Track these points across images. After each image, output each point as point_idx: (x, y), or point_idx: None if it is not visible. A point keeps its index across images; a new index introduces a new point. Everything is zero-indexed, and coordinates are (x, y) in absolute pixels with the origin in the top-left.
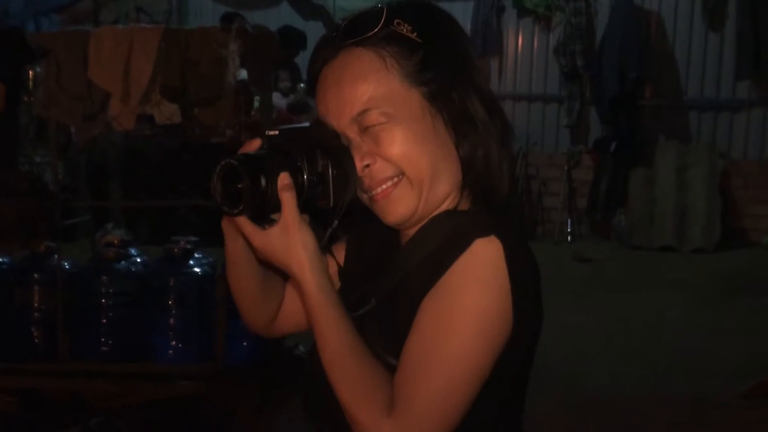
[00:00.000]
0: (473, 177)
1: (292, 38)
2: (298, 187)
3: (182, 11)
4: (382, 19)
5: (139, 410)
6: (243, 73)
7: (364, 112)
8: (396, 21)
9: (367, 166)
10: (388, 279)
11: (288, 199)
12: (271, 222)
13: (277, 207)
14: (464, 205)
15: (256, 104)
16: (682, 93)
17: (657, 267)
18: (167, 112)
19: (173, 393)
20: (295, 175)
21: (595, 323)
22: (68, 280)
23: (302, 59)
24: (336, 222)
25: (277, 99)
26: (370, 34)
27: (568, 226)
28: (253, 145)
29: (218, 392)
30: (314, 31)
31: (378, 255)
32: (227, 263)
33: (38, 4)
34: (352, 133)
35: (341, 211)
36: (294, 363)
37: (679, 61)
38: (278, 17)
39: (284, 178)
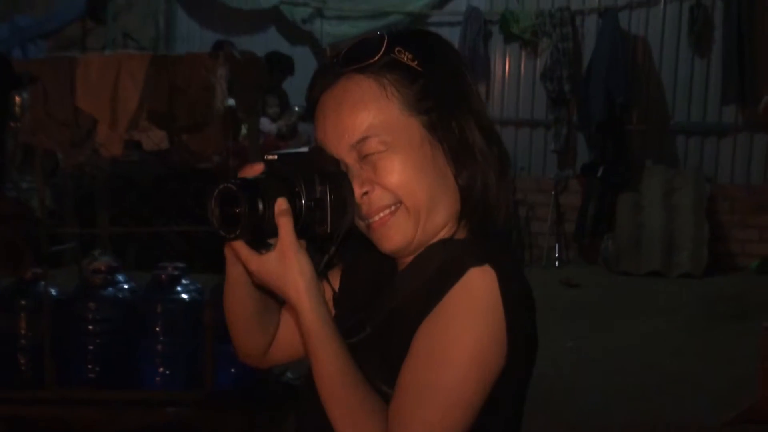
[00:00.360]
0: (471, 206)
1: (280, 64)
2: (296, 213)
3: (169, 37)
4: (383, 47)
5: None
6: (231, 100)
7: (363, 139)
8: (397, 49)
9: (366, 193)
10: (382, 307)
11: (285, 225)
12: (268, 247)
13: (274, 232)
14: (461, 234)
15: (244, 131)
16: (669, 117)
17: (644, 292)
18: (155, 139)
19: (161, 419)
20: (293, 200)
21: (582, 348)
22: (55, 307)
23: (289, 84)
24: (334, 248)
25: (266, 124)
26: (371, 61)
27: (556, 251)
28: (252, 170)
29: (206, 418)
30: (301, 56)
31: (373, 283)
32: (226, 288)
33: (25, 30)
34: (350, 159)
35: (339, 237)
36: (282, 389)
37: (665, 86)
38: (266, 42)
39: (282, 204)
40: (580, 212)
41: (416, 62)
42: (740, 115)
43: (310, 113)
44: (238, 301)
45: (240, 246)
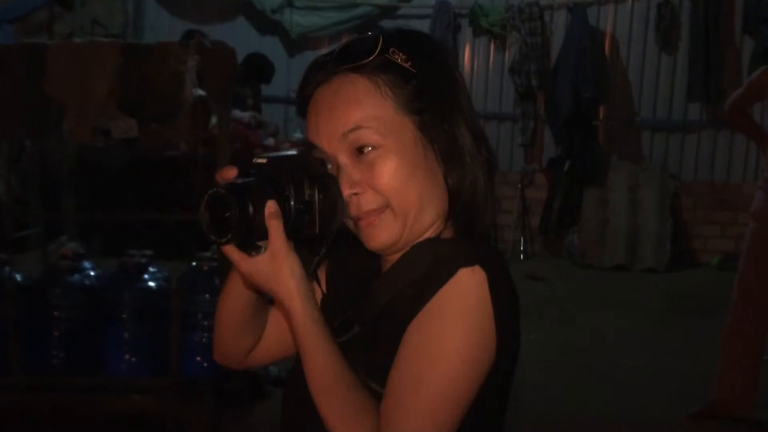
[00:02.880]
0: (459, 207)
1: (262, 70)
2: (285, 216)
3: (138, 24)
4: (378, 47)
5: (91, 424)
6: (200, 90)
7: (356, 129)
8: (391, 50)
9: (356, 194)
10: (371, 305)
11: (275, 227)
12: (258, 249)
13: (264, 235)
14: (447, 234)
15: (214, 120)
16: (635, 114)
17: (608, 286)
18: (124, 126)
19: (127, 407)
20: (282, 203)
21: (545, 341)
22: (20, 293)
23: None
24: (324, 250)
25: (237, 112)
26: (365, 61)
27: (521, 245)
28: (230, 171)
29: (172, 406)
30: (271, 46)
31: (359, 280)
32: (226, 289)
33: None
34: (343, 157)
35: (329, 239)
36: (249, 379)
37: (632, 82)
38: (234, 32)
39: (271, 206)
40: (546, 206)
41: (410, 63)
42: (705, 112)
43: (301, 108)
44: (236, 302)
45: (231, 249)
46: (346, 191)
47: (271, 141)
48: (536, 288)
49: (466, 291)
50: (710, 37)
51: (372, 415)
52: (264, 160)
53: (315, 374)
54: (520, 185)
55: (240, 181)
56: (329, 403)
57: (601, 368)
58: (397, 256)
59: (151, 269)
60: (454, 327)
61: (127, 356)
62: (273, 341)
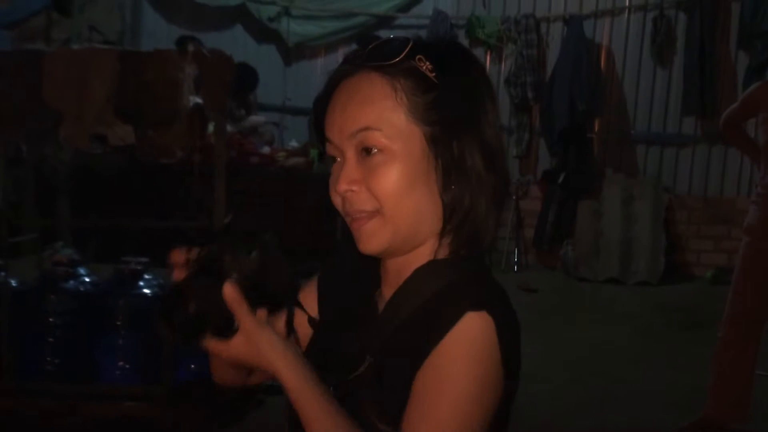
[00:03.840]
0: (454, 225)
1: (247, 76)
2: (244, 291)
3: (135, 31)
4: (405, 52)
5: (84, 431)
6: (197, 98)
7: (365, 129)
8: (418, 56)
9: (352, 191)
10: (378, 335)
11: (239, 309)
12: (228, 334)
13: (226, 324)
14: (443, 252)
15: (211, 128)
16: (630, 127)
17: (601, 299)
18: (121, 133)
19: (119, 413)
20: (235, 283)
21: (539, 353)
22: (14, 298)
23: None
24: (293, 307)
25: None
26: (389, 62)
27: (515, 256)
28: (178, 254)
29: (164, 413)
30: (267, 54)
31: (359, 285)
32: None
33: None
34: (350, 152)
35: (294, 293)
36: (242, 387)
37: (627, 96)
38: (232, 40)
39: (230, 292)
40: (540, 218)
41: (434, 74)
42: (699, 127)
43: (326, 96)
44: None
45: (207, 342)
46: (343, 187)
47: (266, 149)
48: (530, 300)
49: (475, 337)
50: (705, 51)
51: None
52: (195, 256)
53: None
54: (514, 197)
55: (177, 282)
56: None
57: (593, 381)
58: (396, 261)
59: (146, 276)
60: (465, 372)
61: (121, 363)
62: None
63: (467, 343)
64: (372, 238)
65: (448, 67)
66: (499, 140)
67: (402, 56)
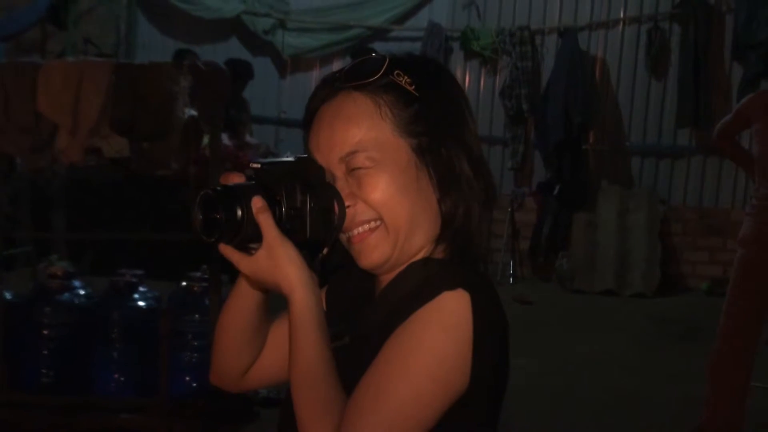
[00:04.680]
0: (451, 233)
1: (239, 70)
2: (276, 220)
3: (130, 44)
4: (383, 68)
5: None
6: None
7: (352, 153)
8: (396, 72)
9: (348, 206)
10: (361, 320)
11: (265, 220)
12: (251, 251)
13: (255, 237)
14: (438, 257)
15: (206, 140)
16: (625, 138)
17: (597, 310)
18: (116, 146)
19: (115, 426)
20: (273, 207)
21: (534, 365)
22: (10, 311)
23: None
24: (325, 252)
25: (225, 139)
26: (369, 80)
27: (510, 268)
28: (233, 177)
29: (160, 426)
30: (263, 66)
31: (355, 298)
32: (231, 300)
33: None
34: (338, 172)
35: (330, 242)
36: (238, 399)
37: (622, 107)
38: (227, 52)
39: (257, 202)
40: (536, 230)
41: (413, 87)
42: (694, 138)
43: (306, 122)
44: (237, 315)
45: (230, 251)
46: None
47: None
48: (525, 312)
49: (447, 312)
50: (700, 63)
51: (339, 415)
52: (258, 165)
53: (300, 364)
54: (509, 209)
55: (231, 184)
56: (306, 394)
57: (589, 393)
58: (389, 276)
59: (141, 289)
60: (427, 345)
61: (116, 375)
62: (271, 363)
63: (438, 314)
64: (375, 250)
65: (425, 80)
66: (480, 147)
67: (381, 73)
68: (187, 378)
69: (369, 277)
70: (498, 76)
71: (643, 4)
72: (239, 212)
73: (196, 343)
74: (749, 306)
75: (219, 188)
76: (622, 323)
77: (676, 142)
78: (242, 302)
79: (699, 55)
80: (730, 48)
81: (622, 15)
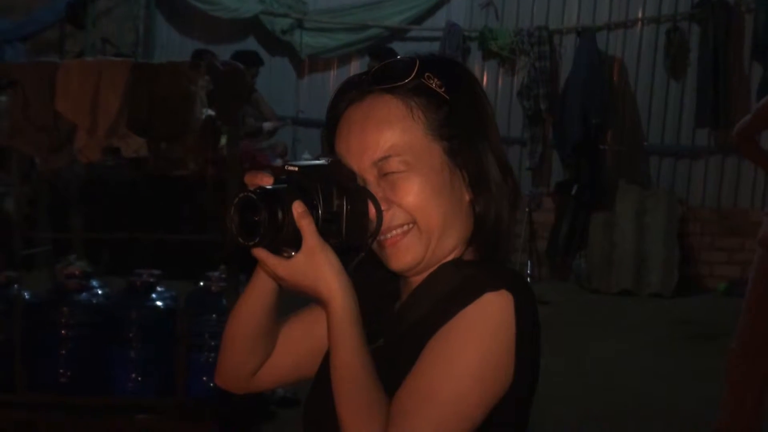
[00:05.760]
0: (484, 235)
1: (247, 61)
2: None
3: (149, 44)
4: (414, 71)
5: None
6: (210, 110)
7: (386, 158)
8: (426, 74)
9: (383, 210)
10: (397, 322)
11: (307, 225)
12: (287, 254)
13: (292, 241)
14: (468, 258)
15: (223, 140)
16: (643, 139)
17: (615, 311)
18: (134, 146)
19: (132, 426)
20: (310, 210)
21: (552, 365)
22: (28, 311)
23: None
24: (362, 254)
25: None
26: (400, 83)
27: (528, 268)
28: (261, 178)
29: (176, 427)
30: (280, 66)
31: (377, 305)
32: (245, 299)
33: (3, 33)
34: (370, 176)
35: (366, 247)
36: (255, 400)
37: (640, 108)
38: None
39: (298, 206)
40: (553, 230)
41: (443, 89)
42: (713, 138)
43: (330, 125)
44: (251, 314)
45: (265, 255)
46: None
47: (279, 161)
48: (542, 312)
49: (491, 313)
50: (719, 63)
51: (383, 417)
52: (295, 168)
53: (341, 368)
54: (527, 209)
55: (270, 187)
56: (347, 397)
57: (606, 393)
58: (420, 278)
59: (158, 289)
60: (473, 346)
61: (133, 375)
62: (281, 364)
63: (483, 316)
64: (408, 253)
65: (454, 82)
66: (504, 151)
67: (413, 75)
68: (205, 378)
69: (393, 279)
70: (516, 76)
71: (661, 4)
72: (280, 216)
73: (213, 343)
74: (767, 306)
75: (259, 191)
76: (639, 323)
77: (695, 143)
78: (257, 303)
79: (718, 55)
80: (750, 48)
81: (640, 15)
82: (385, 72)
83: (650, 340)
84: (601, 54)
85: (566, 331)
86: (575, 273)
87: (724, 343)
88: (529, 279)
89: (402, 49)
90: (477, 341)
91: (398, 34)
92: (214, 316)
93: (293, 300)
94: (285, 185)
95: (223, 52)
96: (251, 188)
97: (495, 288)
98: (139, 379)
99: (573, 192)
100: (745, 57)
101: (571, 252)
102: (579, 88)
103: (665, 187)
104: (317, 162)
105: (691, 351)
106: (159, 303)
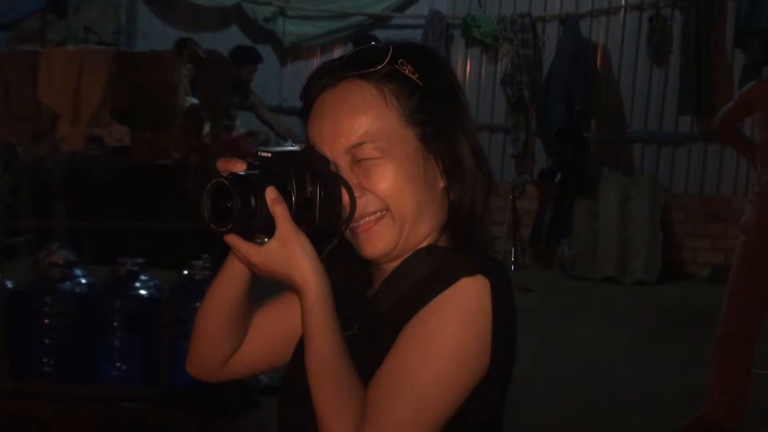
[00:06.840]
0: (458, 222)
1: (246, 57)
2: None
3: (131, 32)
4: (388, 57)
5: None
6: (193, 99)
7: (359, 144)
8: (400, 60)
9: (356, 197)
10: (371, 310)
11: (281, 211)
12: (260, 240)
13: (265, 227)
14: (442, 245)
15: (207, 129)
16: (627, 126)
17: (599, 298)
18: (117, 134)
19: (116, 415)
20: (283, 197)
21: (536, 353)
22: (10, 300)
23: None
24: (336, 241)
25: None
26: (374, 69)
27: (512, 256)
28: (236, 165)
29: (161, 415)
30: (263, 54)
31: (349, 291)
32: (216, 287)
33: None
34: (343, 162)
35: (340, 234)
36: (238, 389)
37: (623, 95)
38: (228, 40)
39: (272, 192)
40: (537, 217)
41: (417, 75)
42: (696, 125)
43: (304, 111)
44: (224, 301)
45: (238, 241)
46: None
47: None
48: (526, 299)
49: (467, 298)
50: (701, 50)
51: (360, 404)
52: (268, 154)
53: (316, 355)
54: (511, 196)
55: (243, 172)
56: (323, 385)
57: (590, 380)
58: (393, 265)
59: (142, 277)
60: (450, 330)
61: (117, 364)
62: (253, 352)
63: (459, 301)
64: (381, 240)
65: (427, 68)
66: (478, 139)
67: (386, 61)
68: None
69: (365, 265)
70: (499, 64)
71: None
72: (253, 202)
73: None
74: (751, 293)
75: (231, 177)
76: (623, 310)
77: (678, 130)
78: (229, 289)
79: (701, 43)
80: (732, 35)
81: (623, 2)
82: (358, 58)
83: (634, 327)
84: (585, 41)
85: (550, 318)
86: (559, 260)
87: (708, 329)
88: (513, 266)
89: (385, 37)
90: (454, 325)
91: (381, 21)
92: (197, 304)
93: (266, 286)
94: (258, 171)
95: (206, 40)
96: (224, 174)
97: (470, 273)
98: (124, 367)
99: (556, 179)
100: (727, 44)
101: (555, 239)
102: (562, 76)
103: (648, 174)
104: (290, 148)
105: (675, 337)
106: (143, 291)
